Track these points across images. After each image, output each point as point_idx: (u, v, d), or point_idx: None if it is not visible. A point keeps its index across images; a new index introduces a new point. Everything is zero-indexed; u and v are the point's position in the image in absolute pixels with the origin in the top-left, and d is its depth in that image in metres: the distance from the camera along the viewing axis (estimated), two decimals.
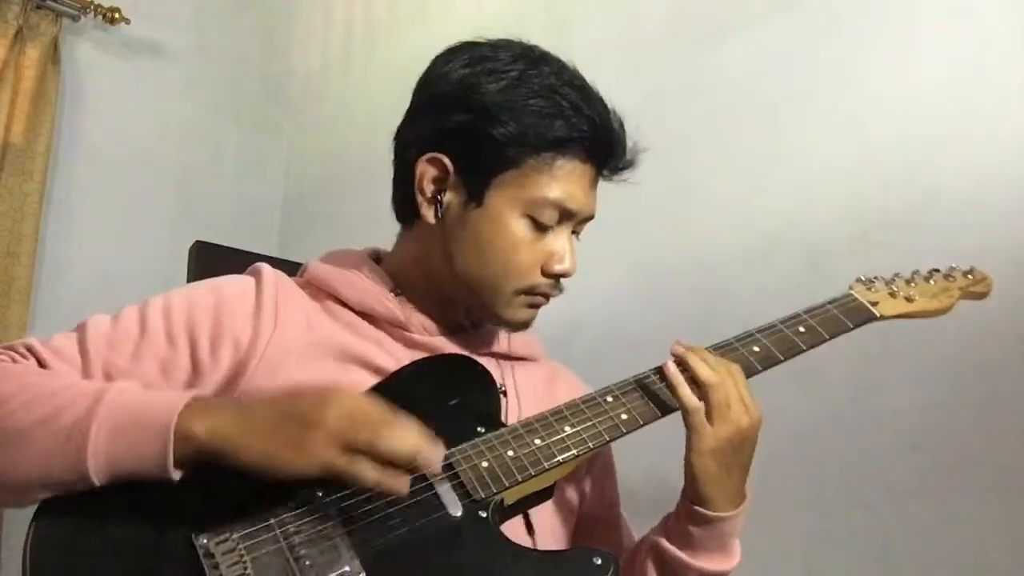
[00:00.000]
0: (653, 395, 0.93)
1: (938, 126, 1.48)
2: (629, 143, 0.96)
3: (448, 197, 0.93)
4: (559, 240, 0.93)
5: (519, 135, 0.89)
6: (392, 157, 1.01)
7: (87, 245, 2.54)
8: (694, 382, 0.90)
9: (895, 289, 1.05)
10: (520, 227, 0.91)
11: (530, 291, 0.94)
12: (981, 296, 1.08)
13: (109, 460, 0.73)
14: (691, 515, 0.90)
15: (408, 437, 0.74)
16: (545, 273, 0.93)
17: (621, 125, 0.96)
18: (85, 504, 0.74)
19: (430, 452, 0.75)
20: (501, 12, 2.32)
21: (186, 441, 0.73)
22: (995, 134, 1.42)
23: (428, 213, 0.94)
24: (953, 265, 1.09)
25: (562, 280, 0.96)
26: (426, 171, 0.93)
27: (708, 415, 0.88)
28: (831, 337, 0.99)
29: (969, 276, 1.08)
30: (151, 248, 2.56)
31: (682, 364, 0.92)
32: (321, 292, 0.99)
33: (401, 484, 0.75)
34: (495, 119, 0.89)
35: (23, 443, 0.74)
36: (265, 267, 0.97)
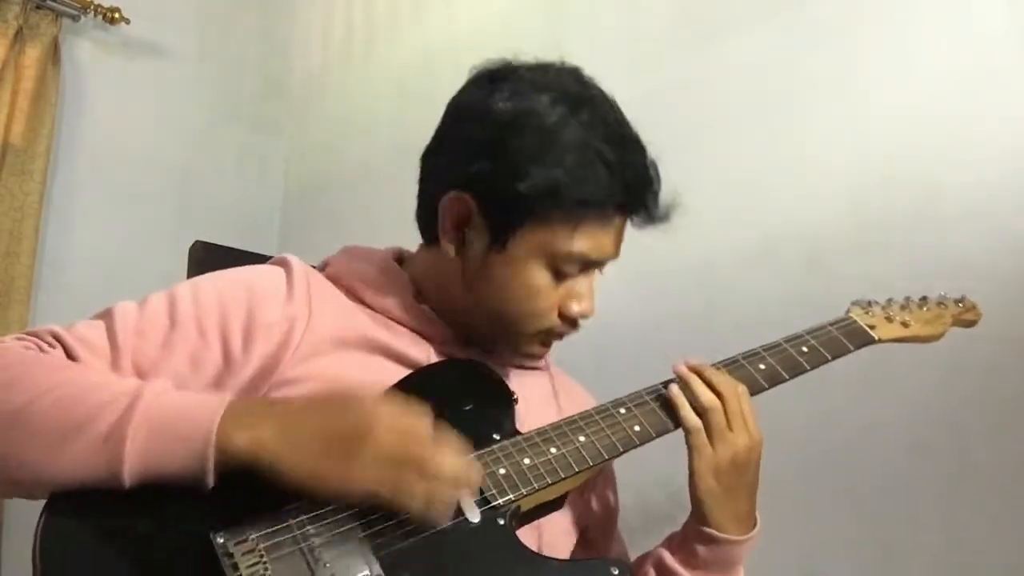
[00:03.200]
0: (666, 408, 0.94)
1: (938, 126, 1.48)
2: (662, 203, 0.94)
3: (471, 236, 0.92)
4: (580, 283, 0.93)
5: (547, 191, 0.86)
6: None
7: (87, 245, 2.54)
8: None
9: (891, 314, 1.09)
10: (541, 275, 0.90)
11: (547, 332, 0.95)
12: (971, 324, 1.12)
13: (145, 467, 0.71)
14: (698, 535, 0.91)
15: (454, 458, 0.75)
16: (563, 315, 0.93)
17: (657, 174, 0.93)
18: (98, 498, 0.72)
19: (472, 473, 0.76)
20: (501, 12, 2.32)
21: (225, 452, 0.71)
22: (995, 134, 1.42)
23: (449, 248, 0.93)
24: (943, 293, 1.13)
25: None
26: (449, 208, 0.92)
27: (709, 436, 0.89)
28: (833, 358, 1.02)
29: (960, 304, 1.13)
30: (151, 248, 2.56)
31: (685, 383, 0.92)
32: (345, 288, 0.98)
33: (444, 514, 0.75)
34: (524, 173, 0.86)
35: (56, 445, 0.71)
36: (293, 258, 0.96)
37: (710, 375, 0.92)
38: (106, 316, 0.86)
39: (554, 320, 0.93)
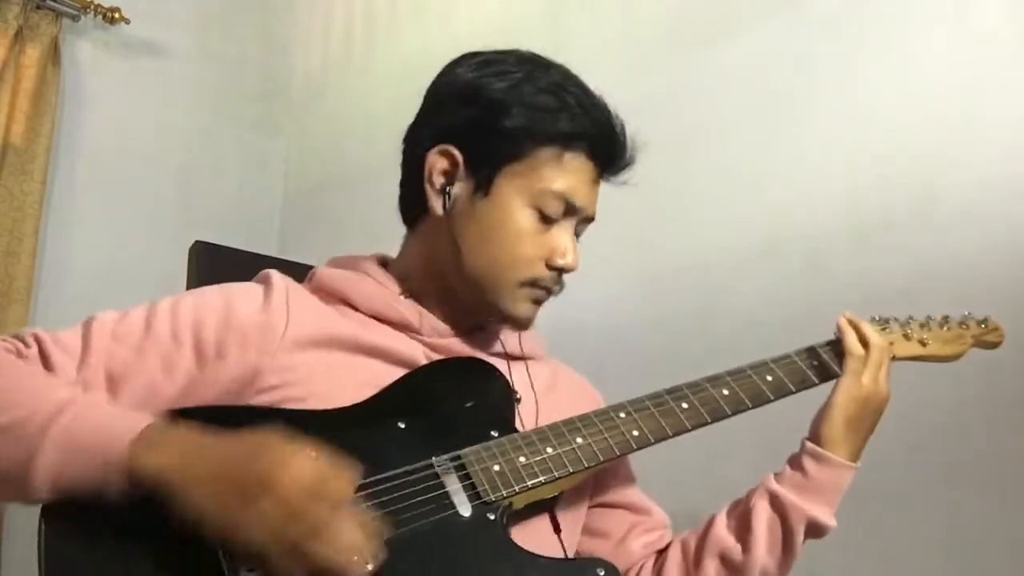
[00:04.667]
0: (666, 414, 0.94)
1: (938, 126, 1.48)
2: (628, 145, 0.98)
3: (456, 190, 0.95)
4: (562, 235, 0.95)
5: (528, 126, 0.92)
6: (400, 158, 1.02)
7: (87, 245, 2.54)
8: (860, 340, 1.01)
9: (909, 332, 1.07)
10: (526, 217, 0.93)
11: (533, 283, 0.95)
12: (994, 346, 1.10)
13: (55, 481, 0.72)
14: (814, 454, 0.97)
15: (355, 533, 0.70)
16: (548, 266, 0.95)
17: (622, 127, 0.98)
18: (98, 504, 0.72)
19: (369, 554, 0.71)
20: (501, 13, 2.32)
21: (132, 475, 0.71)
22: (995, 134, 1.42)
23: (436, 204, 0.96)
24: (967, 312, 1.10)
25: (563, 278, 0.97)
26: (436, 163, 0.96)
27: (866, 366, 0.99)
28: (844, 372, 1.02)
29: (983, 325, 1.10)
30: (151, 248, 2.56)
31: (854, 324, 1.02)
32: (332, 296, 0.99)
33: None
34: (505, 111, 0.92)
35: None
36: (274, 272, 0.97)
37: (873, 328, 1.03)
38: (87, 322, 0.88)
39: (541, 270, 0.95)
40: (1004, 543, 1.30)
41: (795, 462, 0.98)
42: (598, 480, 1.06)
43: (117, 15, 2.61)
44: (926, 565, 1.37)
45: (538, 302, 0.98)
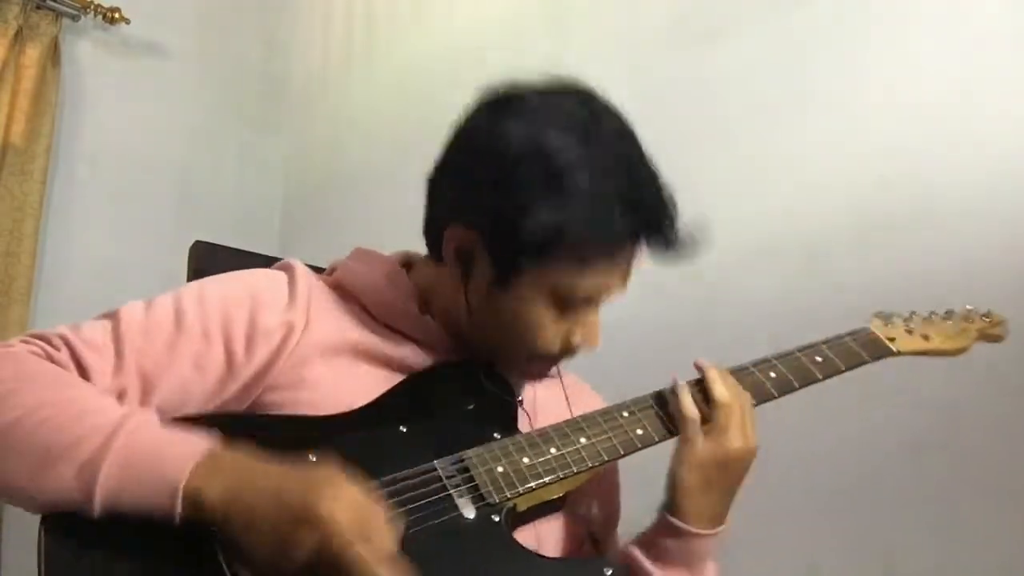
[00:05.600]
0: (670, 413, 0.93)
1: (938, 127, 1.48)
2: (680, 224, 0.90)
3: (475, 268, 0.90)
4: (586, 317, 0.91)
5: (556, 232, 0.83)
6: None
7: (87, 245, 2.54)
8: (703, 397, 0.92)
9: (913, 327, 1.07)
10: (545, 312, 0.89)
11: (548, 360, 0.95)
12: (997, 339, 1.09)
13: (116, 502, 0.72)
14: (666, 526, 0.90)
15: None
16: (565, 347, 0.92)
17: (674, 205, 0.90)
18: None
19: None
20: (501, 13, 2.32)
21: (193, 504, 0.71)
22: (994, 135, 1.42)
23: (454, 272, 0.92)
24: (970, 307, 1.10)
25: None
26: (452, 239, 0.91)
27: (707, 430, 0.90)
28: (847, 368, 1.01)
29: (986, 319, 1.09)
30: (151, 248, 2.55)
31: (700, 376, 0.93)
32: (350, 296, 0.98)
33: None
34: (529, 211, 0.83)
35: (34, 469, 0.73)
36: (297, 264, 0.96)
37: (725, 376, 0.94)
38: (113, 318, 0.86)
39: (556, 351, 0.92)
40: (1004, 543, 1.30)
41: (653, 530, 0.91)
42: (595, 507, 1.04)
43: (117, 15, 2.60)
44: (926, 565, 1.37)
45: (551, 367, 0.99)
